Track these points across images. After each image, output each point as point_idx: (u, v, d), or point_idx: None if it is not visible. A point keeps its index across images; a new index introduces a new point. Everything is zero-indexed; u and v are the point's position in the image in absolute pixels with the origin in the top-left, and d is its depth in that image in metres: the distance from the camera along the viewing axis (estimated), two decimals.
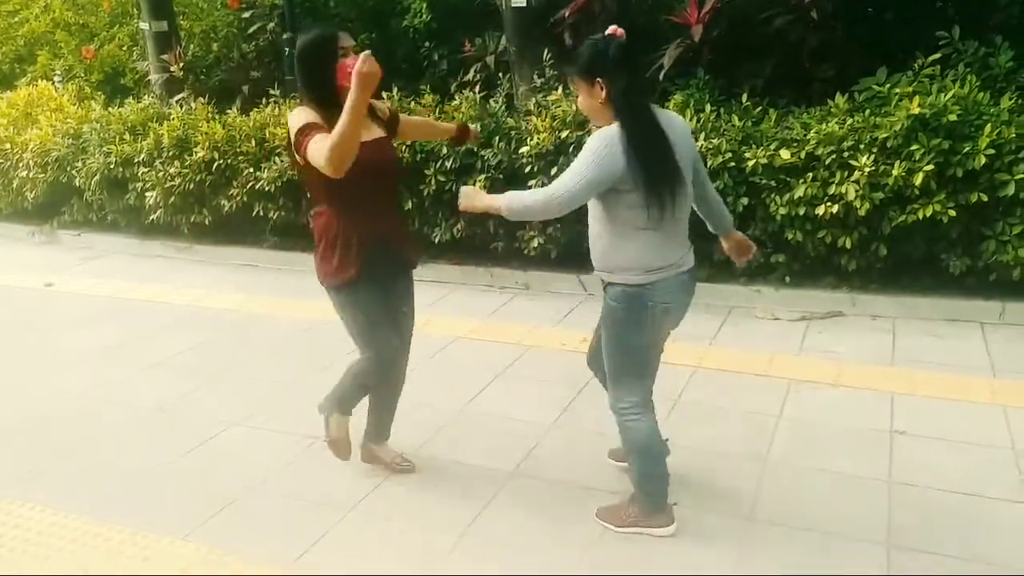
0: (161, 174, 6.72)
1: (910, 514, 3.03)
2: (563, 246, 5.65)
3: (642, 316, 2.76)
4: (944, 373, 4.16)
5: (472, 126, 2.95)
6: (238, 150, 6.44)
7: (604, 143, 2.59)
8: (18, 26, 9.73)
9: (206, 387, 4.43)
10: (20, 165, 7.63)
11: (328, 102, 2.90)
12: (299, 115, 2.93)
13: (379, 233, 3.11)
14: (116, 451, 3.76)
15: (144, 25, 8.19)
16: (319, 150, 2.75)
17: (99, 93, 8.47)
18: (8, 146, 7.75)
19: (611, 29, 2.68)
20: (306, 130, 2.85)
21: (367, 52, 2.63)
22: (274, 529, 3.13)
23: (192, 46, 8.29)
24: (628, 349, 2.84)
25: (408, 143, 5.73)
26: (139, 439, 3.87)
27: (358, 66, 2.59)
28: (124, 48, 9.17)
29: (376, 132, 3.12)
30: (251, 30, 8.30)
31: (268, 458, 3.63)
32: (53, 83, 8.68)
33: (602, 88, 2.62)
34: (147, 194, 6.85)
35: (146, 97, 7.79)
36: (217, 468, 3.58)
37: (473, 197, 2.84)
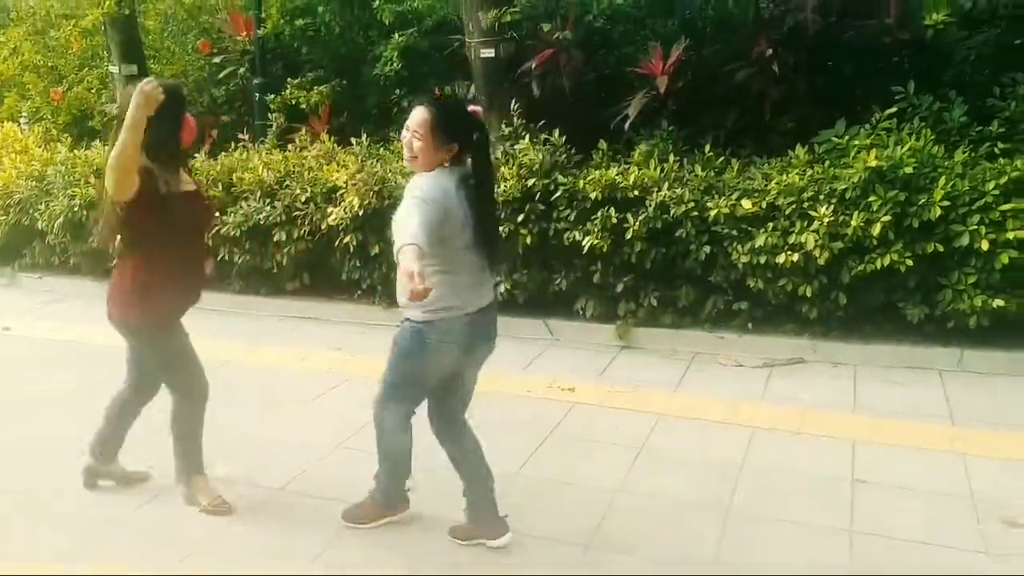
0: None
1: (872, 565, 3.04)
2: (530, 291, 5.67)
3: (422, 351, 2.98)
4: (904, 421, 4.21)
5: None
6: (204, 194, 6.40)
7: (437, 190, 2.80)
8: None
9: (165, 435, 4.33)
10: None
11: (168, 153, 3.12)
12: None
13: (187, 280, 3.32)
14: (74, 502, 3.65)
15: (114, 68, 8.20)
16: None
17: (66, 135, 8.41)
18: None
19: (474, 108, 3.05)
20: None
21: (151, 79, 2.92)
22: None
23: None
24: (403, 374, 3.06)
25: (375, 188, 5.75)
26: (97, 489, 3.76)
27: (143, 85, 2.82)
28: (93, 90, 9.12)
29: (190, 184, 3.34)
30: (221, 75, 8.34)
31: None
32: (19, 125, 8.61)
33: (450, 152, 2.87)
34: None
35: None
36: (177, 517, 3.50)
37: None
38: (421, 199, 2.73)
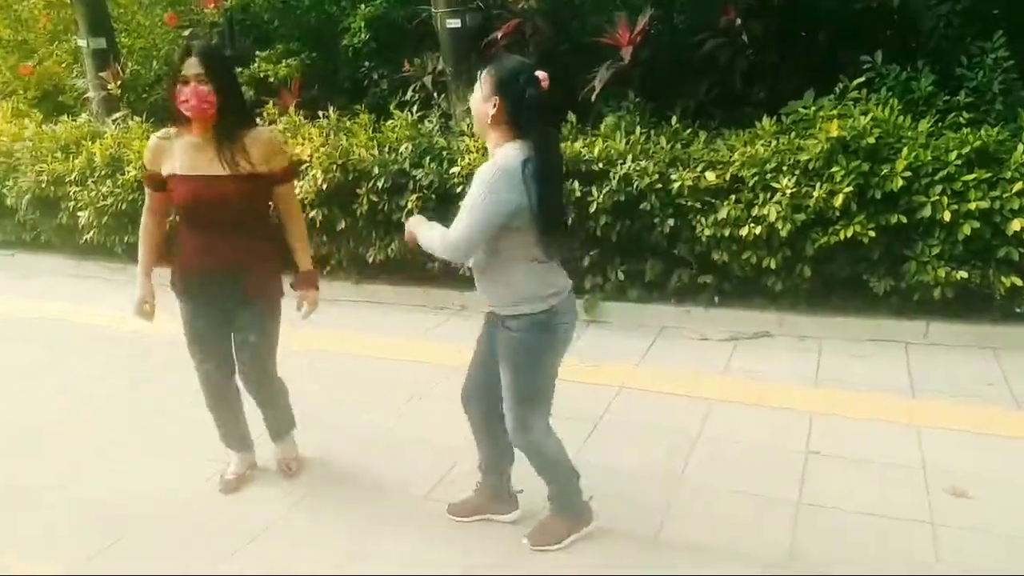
0: (93, 193, 6.59)
1: (814, 536, 3.04)
2: None
3: (552, 339, 2.78)
4: (864, 393, 4.19)
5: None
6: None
7: (495, 178, 2.55)
8: None
9: (117, 408, 4.33)
10: None
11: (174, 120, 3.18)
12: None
13: (203, 263, 3.17)
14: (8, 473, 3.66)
15: (82, 42, 8.06)
16: None
17: (36, 111, 8.30)
18: None
19: (542, 75, 2.64)
20: None
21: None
22: (173, 556, 3.05)
23: (131, 63, 8.16)
24: (540, 374, 2.83)
25: (339, 162, 5.68)
26: (33, 460, 3.78)
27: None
28: (64, 65, 9.00)
29: (215, 169, 3.03)
30: None
31: (171, 482, 3.56)
32: None
33: (495, 107, 2.59)
34: (79, 214, 6.72)
35: (83, 115, 7.66)
36: (116, 493, 3.49)
37: (415, 227, 2.83)
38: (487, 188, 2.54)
